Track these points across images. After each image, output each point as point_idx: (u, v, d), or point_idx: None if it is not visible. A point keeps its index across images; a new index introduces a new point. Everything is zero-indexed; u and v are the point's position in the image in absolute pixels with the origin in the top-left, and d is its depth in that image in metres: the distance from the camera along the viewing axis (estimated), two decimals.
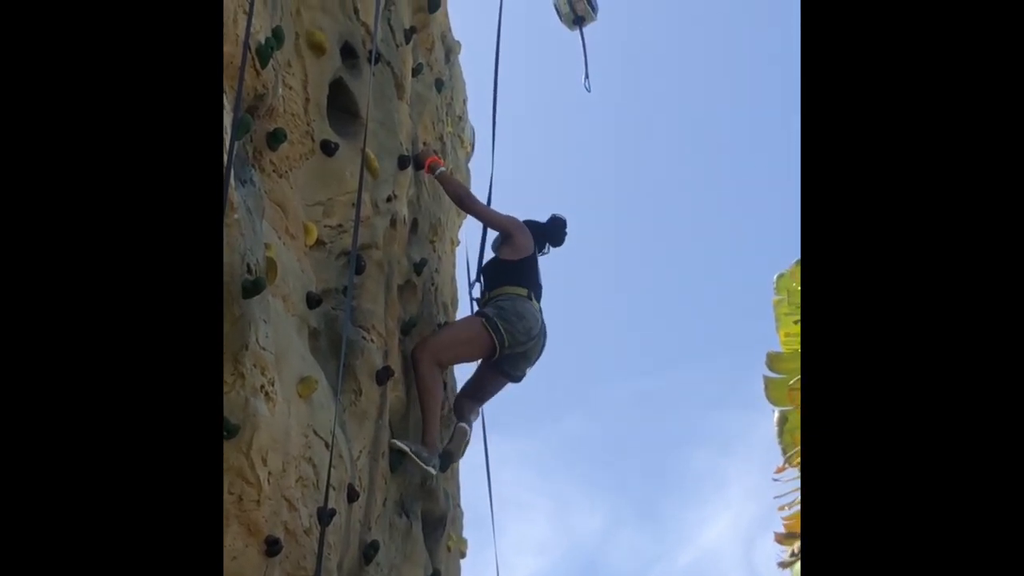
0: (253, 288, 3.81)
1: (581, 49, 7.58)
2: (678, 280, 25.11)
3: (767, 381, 10.73)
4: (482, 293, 5.95)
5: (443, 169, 6.04)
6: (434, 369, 5.48)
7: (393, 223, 5.40)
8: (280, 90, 4.60)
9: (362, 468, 4.83)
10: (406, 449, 5.23)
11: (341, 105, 5.19)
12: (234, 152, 3.66)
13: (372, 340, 4.99)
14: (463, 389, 6.00)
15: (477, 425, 6.17)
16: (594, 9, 7.61)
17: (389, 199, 5.32)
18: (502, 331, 5.61)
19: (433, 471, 5.39)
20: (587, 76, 7.51)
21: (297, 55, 4.85)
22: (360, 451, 4.83)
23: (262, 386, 3.94)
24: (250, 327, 3.87)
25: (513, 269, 5.85)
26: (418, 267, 5.85)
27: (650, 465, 24.23)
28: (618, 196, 24.34)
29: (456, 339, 5.66)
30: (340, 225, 5.00)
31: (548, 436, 23.38)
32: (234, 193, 3.73)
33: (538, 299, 5.90)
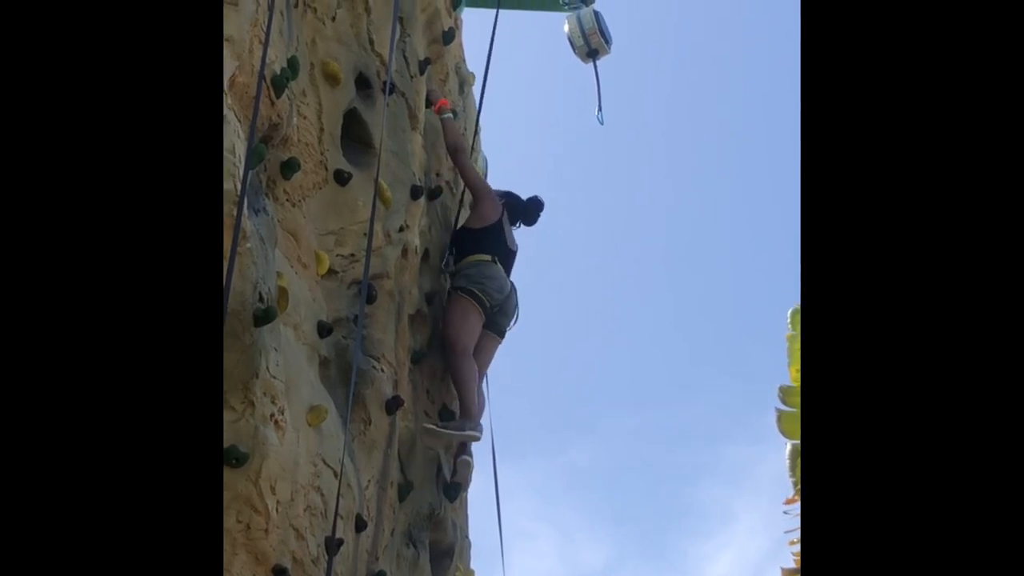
0: (264, 317, 3.83)
1: (595, 82, 7.64)
2: (690, 312, 25.06)
3: (780, 414, 10.68)
4: (452, 263, 6.18)
5: (450, 115, 6.20)
6: (465, 357, 5.78)
7: (404, 253, 5.41)
8: (295, 119, 4.63)
9: (370, 498, 4.83)
10: (453, 433, 5.61)
11: (355, 135, 5.21)
12: (247, 181, 3.68)
13: (382, 370, 4.99)
14: None
15: (486, 455, 6.18)
16: (608, 42, 7.66)
17: (401, 229, 5.33)
18: (478, 293, 5.92)
19: (479, 434, 5.72)
20: (600, 108, 7.56)
21: (312, 85, 4.88)
22: (369, 481, 4.83)
23: (272, 415, 3.95)
24: (260, 355, 3.88)
25: (477, 237, 6.13)
26: (429, 297, 5.85)
27: (657, 497, 24.13)
28: (631, 225, 24.33)
29: (457, 324, 5.89)
30: (352, 254, 5.02)
31: (555, 466, 23.33)
32: (247, 222, 3.75)
33: (505, 263, 6.17)
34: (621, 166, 23.65)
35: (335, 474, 4.38)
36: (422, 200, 5.61)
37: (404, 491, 5.30)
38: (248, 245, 3.74)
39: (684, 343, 24.91)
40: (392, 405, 4.99)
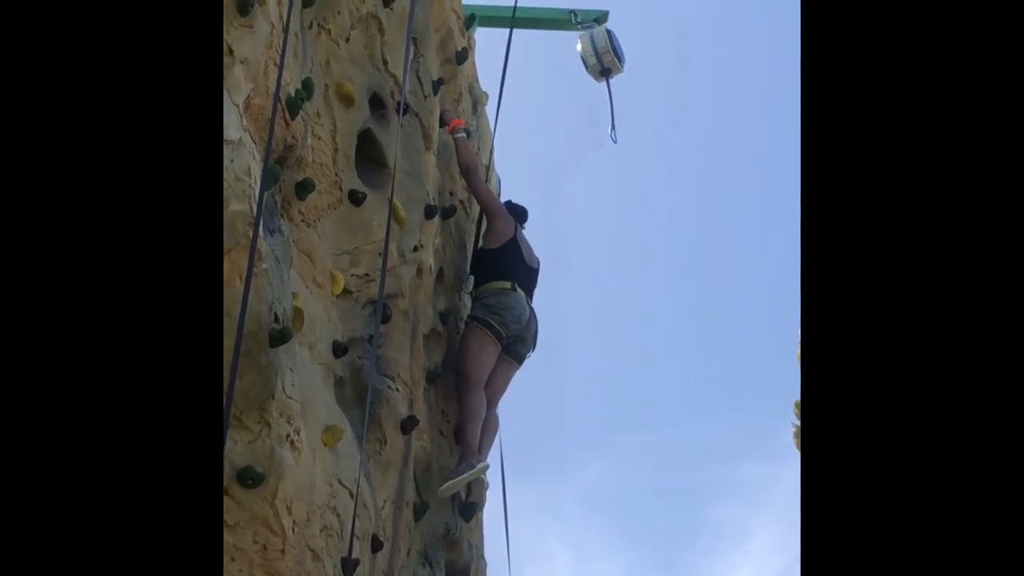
0: (280, 337, 3.84)
1: (608, 100, 7.65)
2: (704, 329, 25.00)
3: (796, 430, 10.71)
4: (471, 285, 6.18)
5: (463, 135, 6.20)
6: (475, 391, 5.77)
7: (419, 272, 5.42)
8: (309, 140, 4.65)
9: (386, 518, 4.83)
10: (456, 478, 5.52)
11: (369, 155, 5.23)
12: (263, 202, 3.70)
13: (397, 389, 5.00)
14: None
15: (496, 479, 6.19)
16: (620, 61, 7.68)
17: (415, 248, 5.34)
18: (495, 325, 5.88)
19: (486, 464, 5.72)
20: (613, 127, 7.58)
21: (326, 106, 4.90)
22: (384, 501, 4.83)
23: (288, 435, 3.95)
24: (276, 376, 3.89)
25: (495, 260, 6.11)
26: (444, 316, 5.86)
27: (672, 515, 24.03)
28: (644, 243, 24.30)
29: (472, 355, 5.87)
30: (367, 274, 5.03)
31: (570, 484, 23.24)
32: (263, 243, 3.76)
33: (524, 286, 6.14)
34: (634, 184, 23.64)
35: (351, 494, 4.38)
36: (436, 219, 5.62)
37: (420, 511, 5.30)
38: (264, 266, 3.75)
39: (698, 360, 24.86)
40: (407, 425, 4.99)
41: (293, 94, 4.07)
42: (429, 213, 5.51)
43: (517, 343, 6.03)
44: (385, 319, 5.01)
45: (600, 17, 7.99)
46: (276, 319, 3.86)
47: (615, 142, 7.56)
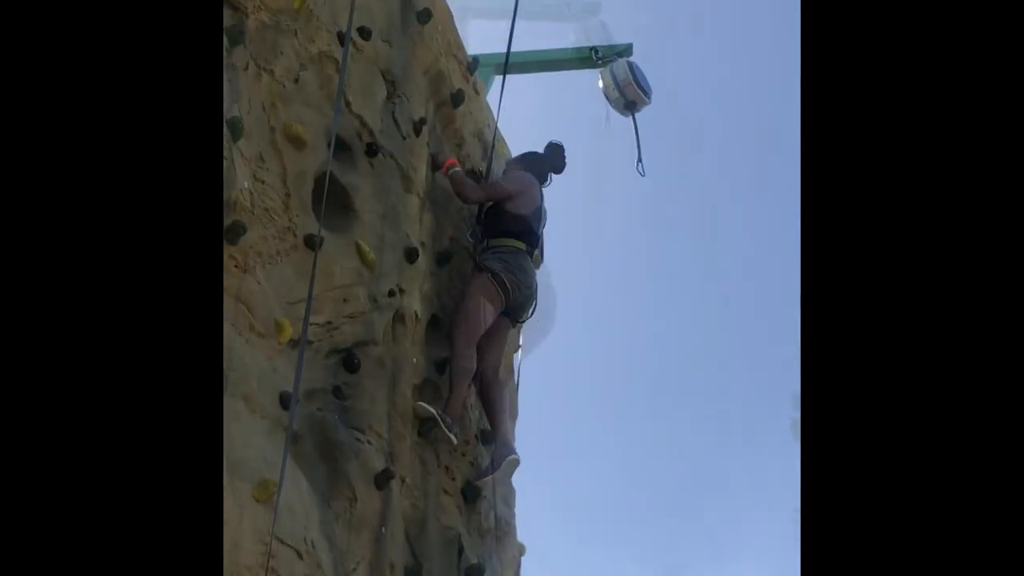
0: None
1: (634, 134, 7.31)
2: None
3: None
4: (481, 237, 5.98)
5: (457, 170, 5.97)
6: (469, 348, 5.53)
7: (402, 319, 5.11)
8: (246, 184, 4.42)
9: None
10: (433, 412, 5.25)
11: (333, 200, 4.97)
12: None
13: (369, 442, 4.66)
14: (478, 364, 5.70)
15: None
16: (646, 93, 7.35)
17: (391, 293, 5.04)
18: (508, 284, 5.73)
19: (455, 439, 5.42)
20: (640, 160, 7.22)
21: (274, 149, 4.67)
22: (357, 563, 4.47)
23: None
24: None
25: (517, 220, 5.92)
26: (440, 366, 5.53)
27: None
28: (675, 282, 23.53)
29: (478, 307, 5.64)
30: (329, 322, 4.74)
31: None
32: None
33: (531, 253, 5.99)
34: (662, 216, 22.96)
35: (299, 554, 4.05)
36: (420, 264, 5.32)
37: (413, 573, 4.92)
38: None
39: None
40: (382, 479, 4.64)
41: None
42: (410, 256, 5.22)
43: (517, 308, 5.90)
44: (353, 368, 4.71)
45: (623, 51, 7.69)
46: None
47: (643, 175, 7.20)
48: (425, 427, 5.24)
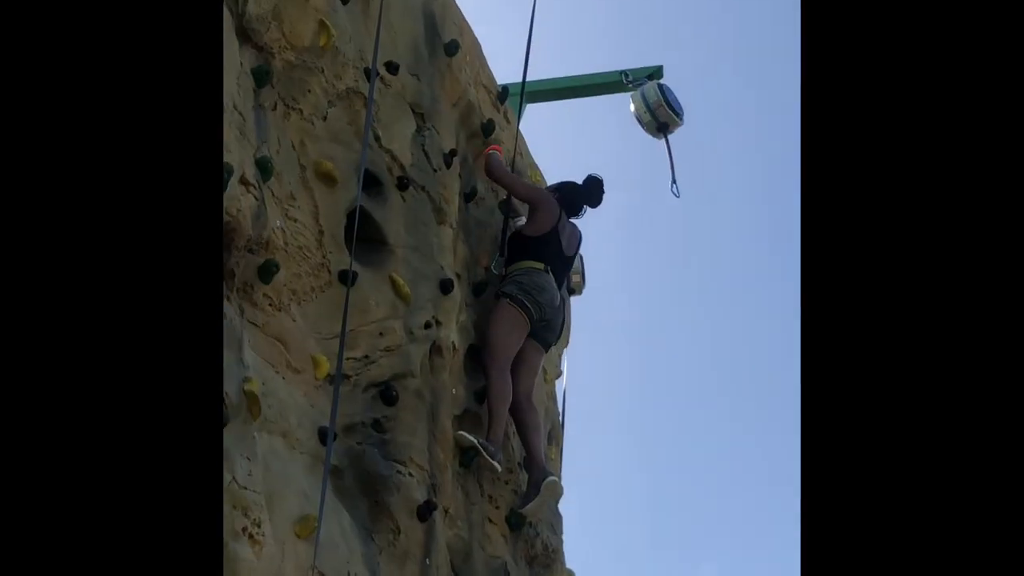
0: None
1: (667, 156, 7.28)
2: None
3: None
4: (502, 269, 5.99)
5: (494, 152, 6.11)
6: (503, 374, 5.56)
7: (439, 351, 5.13)
8: (278, 223, 4.46)
9: None
10: (474, 441, 5.27)
11: (366, 235, 5.00)
12: None
13: (410, 474, 4.67)
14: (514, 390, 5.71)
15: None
16: (678, 114, 7.30)
17: (427, 325, 5.05)
18: (528, 304, 5.73)
19: (499, 467, 5.41)
20: (674, 181, 7.19)
21: (304, 187, 4.72)
22: None
23: (244, 528, 3.69)
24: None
25: (534, 243, 5.95)
26: (479, 395, 5.54)
27: None
28: (714, 298, 23.27)
29: (502, 333, 5.68)
30: (366, 356, 4.77)
31: None
32: None
33: (558, 272, 5.99)
34: (698, 237, 22.77)
35: None
36: (456, 294, 5.33)
37: (467, 459, 4.97)
38: None
39: None
40: (424, 511, 4.64)
41: None
42: (445, 288, 5.24)
43: (545, 328, 5.88)
44: (391, 401, 4.73)
45: (654, 73, 7.68)
46: None
47: (677, 196, 7.16)
48: (467, 457, 5.25)
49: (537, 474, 5.65)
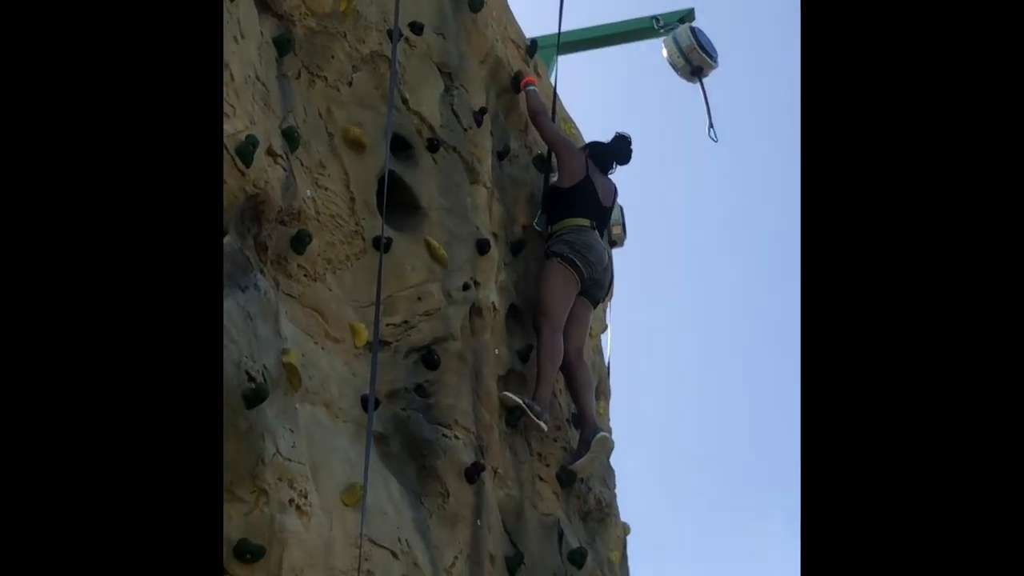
0: (255, 397, 3.59)
1: (703, 100, 7.18)
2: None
3: None
4: (545, 226, 5.99)
5: (533, 89, 6.11)
6: (555, 334, 5.57)
7: (479, 312, 5.09)
8: (309, 192, 4.43)
9: (459, 575, 4.47)
10: (519, 401, 5.29)
11: (398, 199, 4.97)
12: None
13: (456, 436, 4.65)
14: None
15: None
16: (712, 57, 7.19)
17: (466, 287, 5.01)
18: (579, 264, 5.74)
19: (545, 426, 5.43)
20: (711, 125, 7.09)
21: (333, 155, 4.68)
22: (455, 558, 4.47)
23: (291, 500, 3.68)
24: (265, 439, 3.63)
25: (569, 197, 5.94)
26: (523, 354, 5.50)
27: None
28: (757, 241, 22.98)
29: (553, 293, 5.68)
30: (405, 322, 4.74)
31: None
32: None
33: (600, 225, 6.02)
34: (737, 182, 22.49)
35: (393, 554, 4.06)
36: (494, 254, 5.28)
37: (514, 563, 4.92)
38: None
39: None
40: (472, 473, 4.63)
41: (244, 141, 3.85)
42: (482, 248, 5.19)
43: (594, 286, 5.88)
44: (433, 365, 4.70)
45: (685, 16, 7.56)
46: (250, 378, 3.61)
47: (715, 140, 7.07)
48: (512, 417, 5.23)
49: (588, 431, 5.62)
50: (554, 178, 6.13)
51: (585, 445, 5.57)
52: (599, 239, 5.92)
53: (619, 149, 6.36)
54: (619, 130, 6.40)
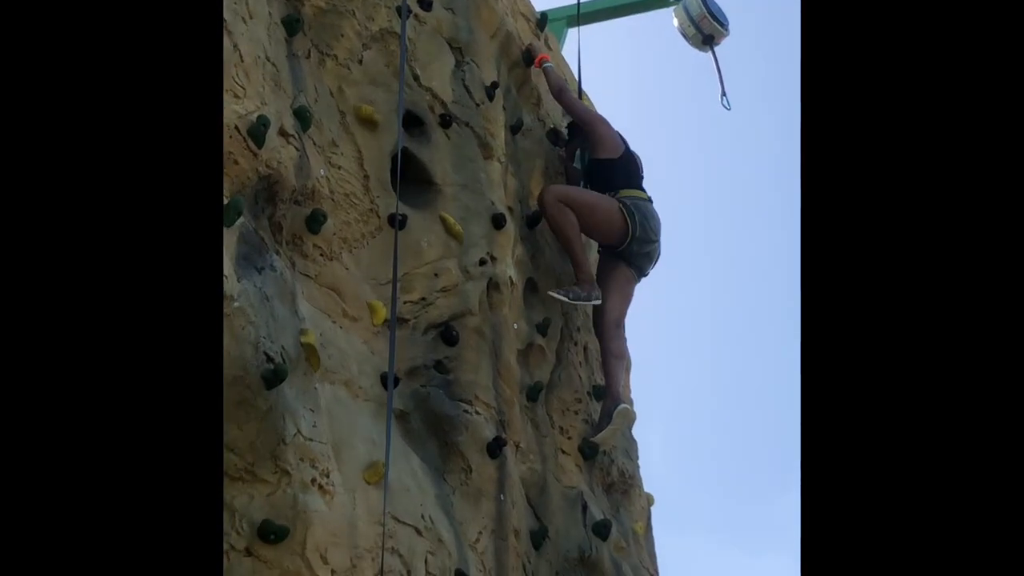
0: (275, 377, 3.59)
1: (715, 68, 7.12)
2: None
3: None
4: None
5: (549, 65, 6.08)
6: (561, 206, 5.57)
7: (497, 286, 5.08)
8: (323, 171, 4.42)
9: (484, 550, 4.47)
10: (563, 298, 5.43)
11: (413, 176, 4.95)
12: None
13: (477, 412, 4.65)
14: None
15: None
16: (723, 24, 7.12)
17: (482, 262, 5.00)
18: (636, 220, 5.71)
19: (597, 299, 5.51)
20: (724, 93, 7.03)
21: (345, 133, 4.67)
22: (479, 533, 4.48)
23: (314, 479, 3.69)
24: (285, 420, 3.64)
25: (621, 168, 5.93)
26: (542, 328, 5.49)
27: None
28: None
29: (590, 201, 5.68)
30: (423, 299, 4.74)
31: None
32: (232, 283, 3.53)
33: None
34: (750, 145, 22.37)
35: (417, 531, 4.07)
36: (510, 228, 5.26)
37: (539, 536, 4.92)
38: (236, 305, 3.52)
39: None
40: (494, 448, 4.63)
41: (255, 121, 3.84)
42: (498, 223, 5.17)
43: (643, 257, 5.84)
44: (452, 341, 4.70)
45: None
46: (269, 359, 3.61)
47: (728, 108, 7.01)
48: (533, 391, 5.25)
49: (610, 403, 5.61)
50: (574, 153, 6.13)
51: (607, 417, 5.54)
52: (658, 216, 5.89)
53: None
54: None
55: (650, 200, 5.93)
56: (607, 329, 5.72)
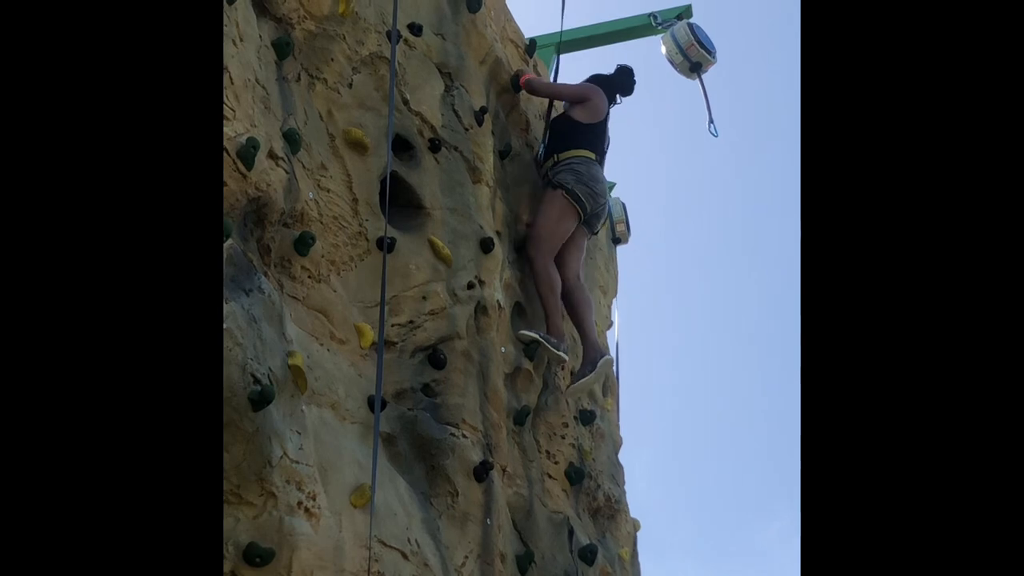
0: (261, 399, 3.58)
1: (703, 96, 7.16)
2: None
3: None
4: (547, 155, 6.07)
5: (530, 78, 6.16)
6: (548, 262, 5.68)
7: (485, 310, 5.08)
8: (312, 194, 4.43)
9: (471, 575, 4.46)
10: (536, 336, 5.46)
11: (402, 200, 4.97)
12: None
13: (464, 436, 4.65)
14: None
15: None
16: (710, 52, 7.17)
17: (470, 286, 5.01)
18: (583, 198, 5.84)
19: (564, 356, 5.55)
20: (711, 121, 7.08)
21: (335, 157, 4.68)
22: (465, 558, 4.47)
23: (300, 502, 3.67)
24: (271, 442, 3.63)
25: (585, 131, 6.03)
26: (529, 352, 5.49)
27: None
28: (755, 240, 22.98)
29: (550, 223, 5.76)
30: (411, 322, 4.74)
31: None
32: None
33: (600, 161, 6.10)
34: (734, 177, 22.53)
35: (403, 555, 4.06)
36: (498, 252, 5.28)
37: (525, 561, 4.91)
38: (224, 326, 3.51)
39: None
40: (480, 472, 4.62)
41: (244, 143, 3.85)
42: (486, 247, 5.19)
43: (593, 217, 5.98)
44: (440, 364, 4.70)
45: (683, 12, 7.55)
46: (256, 381, 3.61)
47: (715, 135, 7.06)
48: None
49: (592, 352, 5.71)
50: (562, 109, 6.29)
51: (591, 365, 5.63)
52: (602, 173, 6.03)
53: (623, 81, 6.48)
54: (621, 64, 6.55)
55: (598, 160, 6.03)
56: (569, 285, 5.87)
